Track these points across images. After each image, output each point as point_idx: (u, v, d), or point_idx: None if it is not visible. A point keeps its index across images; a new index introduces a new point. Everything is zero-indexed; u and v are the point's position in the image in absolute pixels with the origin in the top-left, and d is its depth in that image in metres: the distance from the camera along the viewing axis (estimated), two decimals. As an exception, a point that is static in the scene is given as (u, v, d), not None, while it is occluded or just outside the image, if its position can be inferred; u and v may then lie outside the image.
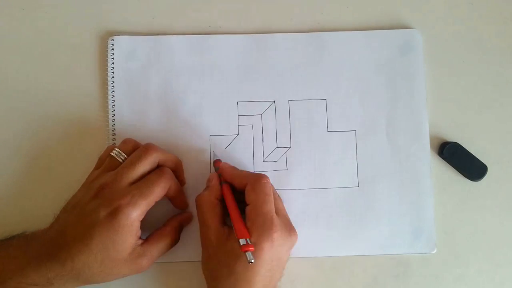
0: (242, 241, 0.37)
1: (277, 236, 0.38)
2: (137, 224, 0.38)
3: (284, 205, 0.44)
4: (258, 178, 0.41)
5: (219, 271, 0.39)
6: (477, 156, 0.47)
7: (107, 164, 0.41)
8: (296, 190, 0.46)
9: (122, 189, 0.38)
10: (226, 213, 0.41)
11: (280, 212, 0.41)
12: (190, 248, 0.45)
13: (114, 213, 0.37)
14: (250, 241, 0.37)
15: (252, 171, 0.46)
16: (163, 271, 0.45)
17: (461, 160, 0.46)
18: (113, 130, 0.46)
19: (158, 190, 0.39)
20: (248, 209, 0.40)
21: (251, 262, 0.36)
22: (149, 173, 0.41)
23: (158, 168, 0.42)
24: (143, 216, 0.39)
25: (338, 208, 0.46)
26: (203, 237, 0.41)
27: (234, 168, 0.44)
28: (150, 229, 0.42)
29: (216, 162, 0.45)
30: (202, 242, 0.41)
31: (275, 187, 0.46)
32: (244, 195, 0.41)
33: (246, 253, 0.36)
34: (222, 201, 0.42)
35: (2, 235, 0.41)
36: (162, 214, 0.44)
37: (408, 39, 0.48)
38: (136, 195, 0.38)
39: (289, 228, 0.41)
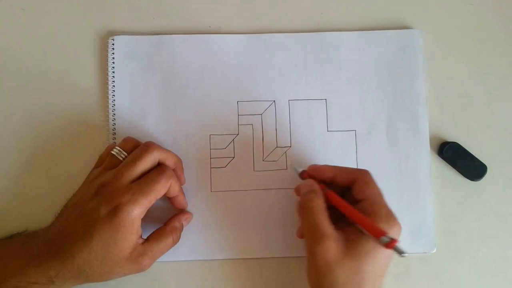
0: (385, 238, 0.35)
1: (400, 228, 0.38)
2: (137, 222, 0.38)
3: (285, 204, 0.44)
4: (366, 172, 0.40)
5: (341, 276, 0.36)
6: (477, 156, 0.47)
7: (108, 163, 0.41)
8: (296, 190, 0.46)
9: (122, 187, 0.38)
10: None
11: None
12: (190, 247, 0.45)
13: (115, 211, 0.37)
14: (389, 236, 0.35)
15: (252, 171, 0.46)
16: (163, 270, 0.45)
17: (461, 160, 0.46)
18: (113, 130, 0.46)
19: (159, 188, 0.39)
20: (365, 204, 0.38)
21: (403, 255, 0.34)
22: (149, 171, 0.41)
23: (158, 166, 0.42)
24: (143, 214, 0.39)
25: (338, 208, 0.46)
26: (320, 246, 0.36)
27: (329, 165, 0.42)
28: (150, 228, 0.42)
29: (304, 174, 0.42)
30: (314, 251, 0.37)
31: (275, 187, 0.46)
32: (351, 193, 0.40)
33: (395, 247, 0.34)
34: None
35: (3, 234, 0.41)
36: (162, 214, 0.44)
37: (408, 39, 0.48)
38: (136, 193, 0.38)
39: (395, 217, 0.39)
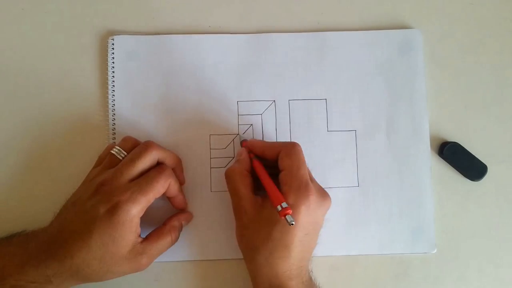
0: (279, 207, 0.36)
1: (313, 199, 0.39)
2: (136, 221, 0.38)
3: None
4: (292, 145, 0.41)
5: (256, 240, 0.39)
6: (477, 156, 0.47)
7: (107, 162, 0.41)
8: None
9: (121, 185, 0.38)
10: (256, 186, 0.41)
11: (312, 178, 0.41)
12: (190, 247, 0.45)
13: (114, 209, 0.37)
14: (287, 205, 0.36)
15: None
16: (162, 270, 0.45)
17: (461, 160, 0.46)
18: (113, 130, 0.46)
19: (158, 187, 0.39)
20: (282, 174, 0.40)
21: (292, 224, 0.35)
22: (149, 170, 0.41)
23: (158, 165, 0.42)
24: (142, 213, 0.39)
25: (338, 207, 0.46)
26: (237, 208, 0.41)
27: (263, 140, 0.44)
28: (149, 228, 0.42)
29: (243, 142, 0.45)
30: (236, 213, 0.41)
31: (275, 187, 0.46)
32: (277, 166, 0.41)
33: (286, 216, 0.36)
34: (252, 174, 0.42)
35: (2, 234, 0.41)
36: (162, 214, 0.44)
37: (408, 39, 0.48)
38: (135, 191, 0.38)
39: (323, 193, 0.41)
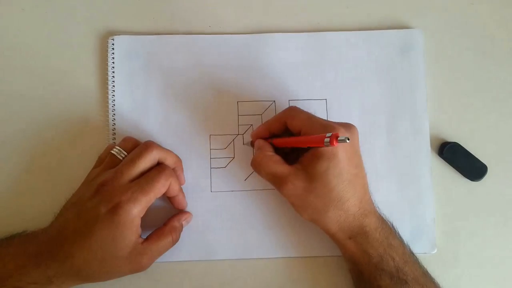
0: (326, 140, 0.34)
1: (343, 131, 0.38)
2: (137, 221, 0.38)
3: (285, 204, 0.44)
4: (290, 108, 0.42)
5: (318, 201, 0.39)
6: (477, 156, 0.47)
7: (108, 162, 0.42)
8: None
9: (122, 185, 0.39)
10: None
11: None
12: (190, 247, 0.45)
13: (115, 209, 0.37)
14: (327, 135, 0.35)
15: (252, 171, 0.46)
16: (163, 270, 0.45)
17: (461, 160, 0.46)
18: (113, 130, 0.46)
19: (159, 186, 0.39)
20: (302, 133, 0.40)
21: (348, 140, 0.33)
22: (149, 170, 0.41)
23: (158, 165, 0.42)
24: (143, 213, 0.39)
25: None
26: (283, 187, 0.39)
27: (262, 124, 0.44)
28: (150, 229, 0.42)
29: (252, 142, 0.45)
30: (284, 192, 0.40)
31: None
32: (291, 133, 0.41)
33: (339, 137, 0.33)
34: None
35: (2, 234, 0.41)
36: (162, 214, 0.44)
37: (408, 39, 0.48)
38: (136, 191, 0.38)
39: (344, 124, 0.40)
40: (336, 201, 0.38)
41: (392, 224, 0.42)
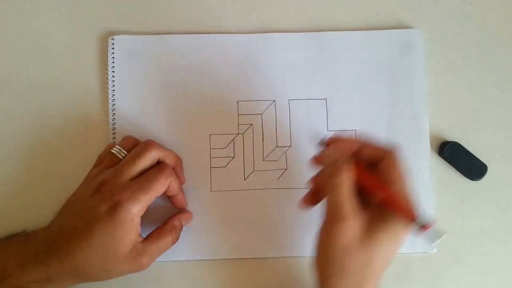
0: (419, 222, 0.32)
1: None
2: (137, 220, 0.38)
3: (285, 204, 0.44)
4: (395, 151, 0.36)
5: (352, 263, 0.34)
6: (477, 156, 0.47)
7: (108, 161, 0.42)
8: (296, 189, 0.46)
9: (122, 184, 0.38)
10: None
11: None
12: (190, 247, 0.45)
13: (115, 208, 0.37)
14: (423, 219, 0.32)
15: (252, 170, 0.46)
16: (163, 270, 0.45)
17: (461, 160, 0.46)
18: (113, 129, 0.46)
19: (159, 185, 0.39)
20: (393, 187, 0.35)
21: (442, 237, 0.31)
22: (149, 169, 0.41)
23: (158, 164, 0.42)
24: (143, 212, 0.39)
25: (338, 207, 0.46)
26: (342, 225, 0.34)
27: (353, 137, 0.39)
28: (150, 228, 0.42)
29: (328, 142, 0.38)
30: (337, 230, 0.34)
31: (275, 187, 0.46)
32: (376, 170, 0.36)
33: (435, 230, 0.31)
34: None
35: (2, 234, 0.41)
36: (162, 214, 0.44)
37: (408, 39, 0.48)
38: (136, 190, 0.38)
39: None
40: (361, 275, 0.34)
41: None
